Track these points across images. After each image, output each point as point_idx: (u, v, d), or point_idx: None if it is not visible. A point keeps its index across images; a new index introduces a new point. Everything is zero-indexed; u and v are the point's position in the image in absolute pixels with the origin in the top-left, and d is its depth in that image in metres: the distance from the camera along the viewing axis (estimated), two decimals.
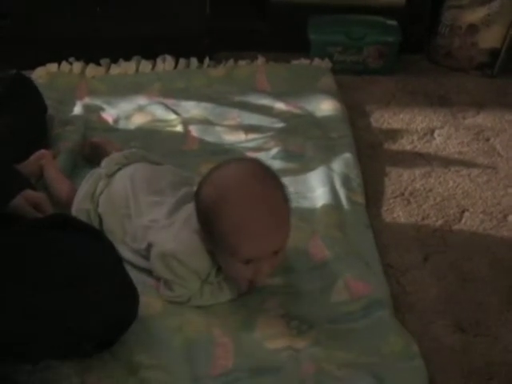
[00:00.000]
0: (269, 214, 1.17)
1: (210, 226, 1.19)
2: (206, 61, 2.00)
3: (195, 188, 1.27)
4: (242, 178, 1.20)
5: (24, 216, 1.28)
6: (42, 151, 1.53)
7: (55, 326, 1.06)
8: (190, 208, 1.27)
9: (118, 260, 1.17)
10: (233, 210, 1.16)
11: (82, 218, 1.35)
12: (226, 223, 1.17)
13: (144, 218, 1.32)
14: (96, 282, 1.09)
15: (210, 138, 1.72)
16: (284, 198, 1.21)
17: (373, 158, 1.73)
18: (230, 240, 1.17)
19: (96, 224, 1.36)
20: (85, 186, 1.41)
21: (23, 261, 1.06)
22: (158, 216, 1.31)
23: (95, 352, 1.14)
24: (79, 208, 1.38)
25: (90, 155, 1.60)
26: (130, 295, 1.15)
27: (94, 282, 1.08)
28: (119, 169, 1.42)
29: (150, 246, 1.28)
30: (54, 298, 1.05)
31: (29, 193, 1.31)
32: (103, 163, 1.44)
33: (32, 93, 1.63)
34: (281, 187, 1.21)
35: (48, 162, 1.51)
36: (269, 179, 1.21)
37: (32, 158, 1.51)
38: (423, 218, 1.55)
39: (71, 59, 1.96)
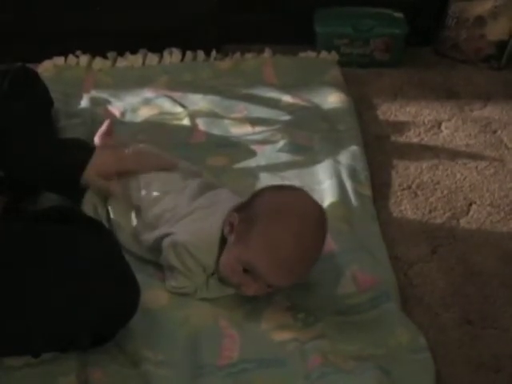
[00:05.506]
0: (292, 260, 1.18)
1: (251, 218, 1.21)
2: (213, 53, 2.00)
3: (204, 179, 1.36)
4: (302, 216, 1.21)
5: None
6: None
7: (53, 317, 1.06)
8: (213, 196, 1.32)
9: (119, 253, 1.17)
10: (276, 228, 1.18)
11: (89, 210, 1.36)
12: (265, 229, 1.19)
13: (155, 207, 1.32)
14: (95, 275, 1.08)
15: (216, 131, 1.71)
16: (313, 259, 1.23)
17: (380, 151, 1.72)
18: (253, 239, 1.19)
19: (103, 217, 1.36)
20: None
21: (21, 254, 1.06)
22: (169, 205, 1.31)
23: (93, 346, 1.14)
24: (86, 200, 1.37)
25: None
26: (131, 289, 1.14)
27: (93, 275, 1.08)
28: None
29: (161, 237, 1.28)
30: (52, 289, 1.06)
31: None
32: None
33: (37, 86, 1.62)
34: (320, 245, 1.23)
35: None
36: (318, 232, 1.22)
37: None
38: (430, 211, 1.55)
39: (78, 52, 1.96)
